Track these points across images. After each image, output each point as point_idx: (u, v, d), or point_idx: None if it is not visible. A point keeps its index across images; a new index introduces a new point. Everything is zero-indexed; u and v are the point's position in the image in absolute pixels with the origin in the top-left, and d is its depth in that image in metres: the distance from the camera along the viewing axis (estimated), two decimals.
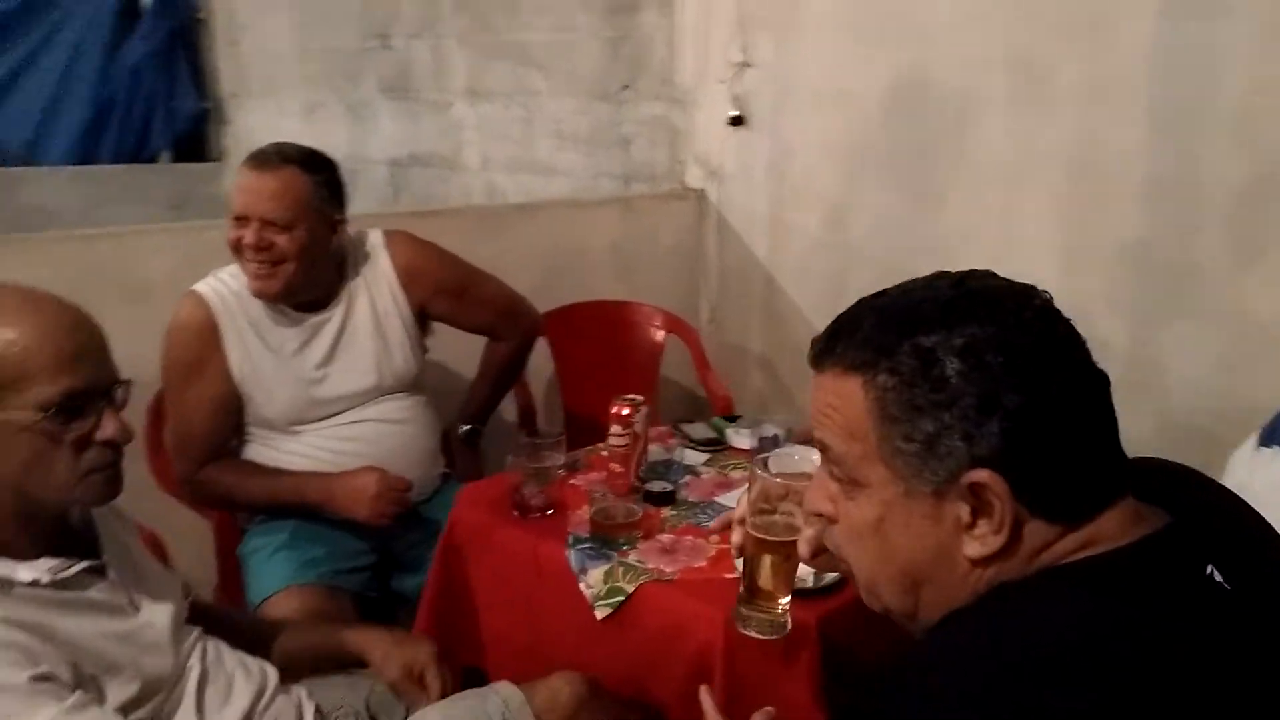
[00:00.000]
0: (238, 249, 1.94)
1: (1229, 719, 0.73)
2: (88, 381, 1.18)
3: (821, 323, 3.06)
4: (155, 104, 5.10)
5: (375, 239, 2.13)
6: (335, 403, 2.03)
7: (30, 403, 1.13)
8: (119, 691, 1.16)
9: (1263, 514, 0.90)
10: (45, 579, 1.15)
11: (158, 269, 2.29)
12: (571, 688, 1.43)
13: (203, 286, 1.99)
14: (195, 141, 5.34)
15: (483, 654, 1.74)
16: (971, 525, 0.80)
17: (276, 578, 1.91)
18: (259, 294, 1.97)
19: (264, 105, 5.14)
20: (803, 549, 1.01)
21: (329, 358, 2.02)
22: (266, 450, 2.04)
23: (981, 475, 0.78)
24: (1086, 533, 0.80)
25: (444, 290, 2.15)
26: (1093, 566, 0.79)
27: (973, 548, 0.80)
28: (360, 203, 4.64)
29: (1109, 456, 0.82)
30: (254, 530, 2.03)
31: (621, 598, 1.50)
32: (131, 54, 5.04)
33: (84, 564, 1.21)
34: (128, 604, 1.25)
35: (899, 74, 3.10)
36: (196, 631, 1.35)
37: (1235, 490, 0.94)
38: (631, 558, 1.57)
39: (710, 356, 3.72)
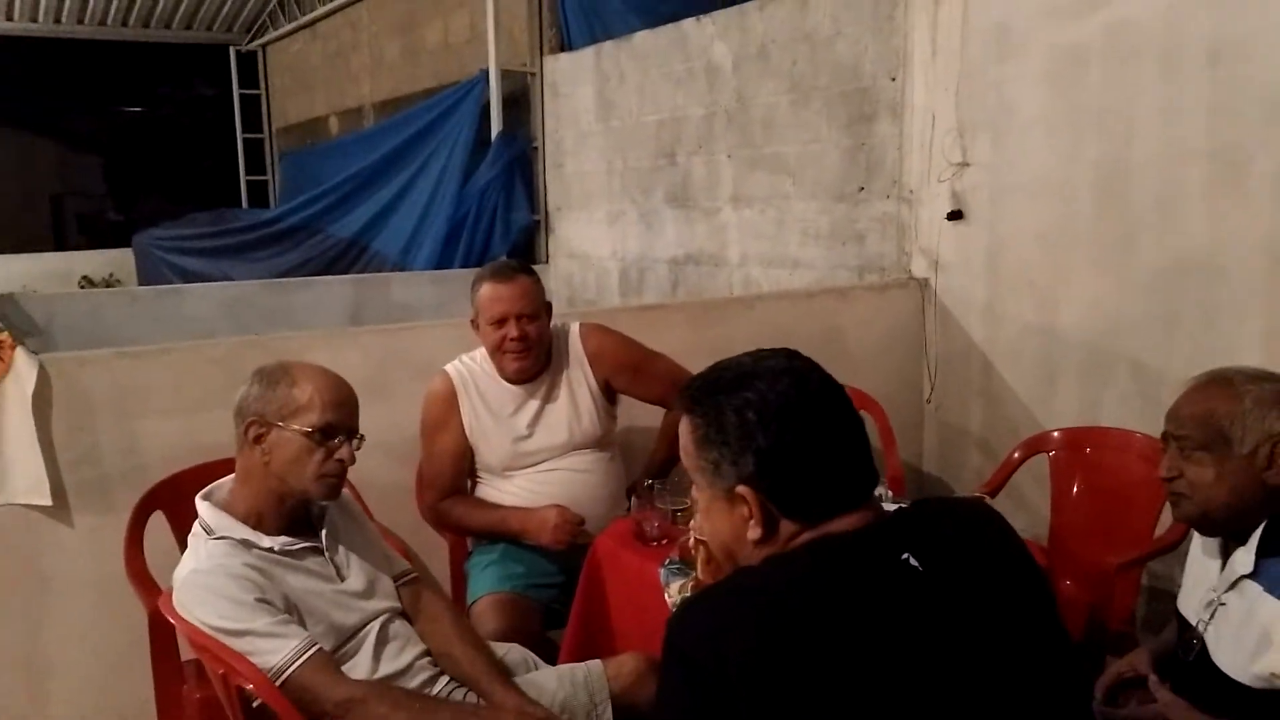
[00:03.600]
0: (499, 346, 2.54)
1: (867, 661, 1.07)
2: (340, 421, 1.86)
3: (1034, 404, 3.69)
4: (497, 218, 6.16)
5: (574, 329, 2.71)
6: (537, 454, 2.61)
7: (307, 423, 1.82)
8: (313, 629, 1.77)
9: None
10: (277, 547, 1.81)
11: (438, 353, 2.97)
12: (634, 662, 1.90)
13: (450, 366, 2.67)
14: (528, 247, 6.36)
15: (613, 646, 2.21)
16: (748, 520, 1.20)
17: (484, 585, 2.50)
18: (517, 374, 2.58)
19: (578, 216, 6.06)
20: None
21: (534, 420, 2.61)
22: (488, 489, 2.66)
23: (742, 489, 1.19)
24: (822, 529, 1.18)
25: (623, 368, 2.68)
26: (811, 546, 1.16)
27: (751, 535, 1.20)
28: (648, 293, 5.37)
29: (844, 478, 1.19)
30: (476, 549, 2.66)
31: None
32: (480, 178, 6.16)
33: (307, 544, 1.87)
34: (335, 574, 1.88)
35: (1102, 166, 3.27)
36: (392, 609, 1.95)
37: None
38: None
39: (931, 436, 3.98)
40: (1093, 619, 2.35)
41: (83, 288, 8.37)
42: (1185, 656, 1.67)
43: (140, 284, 7.96)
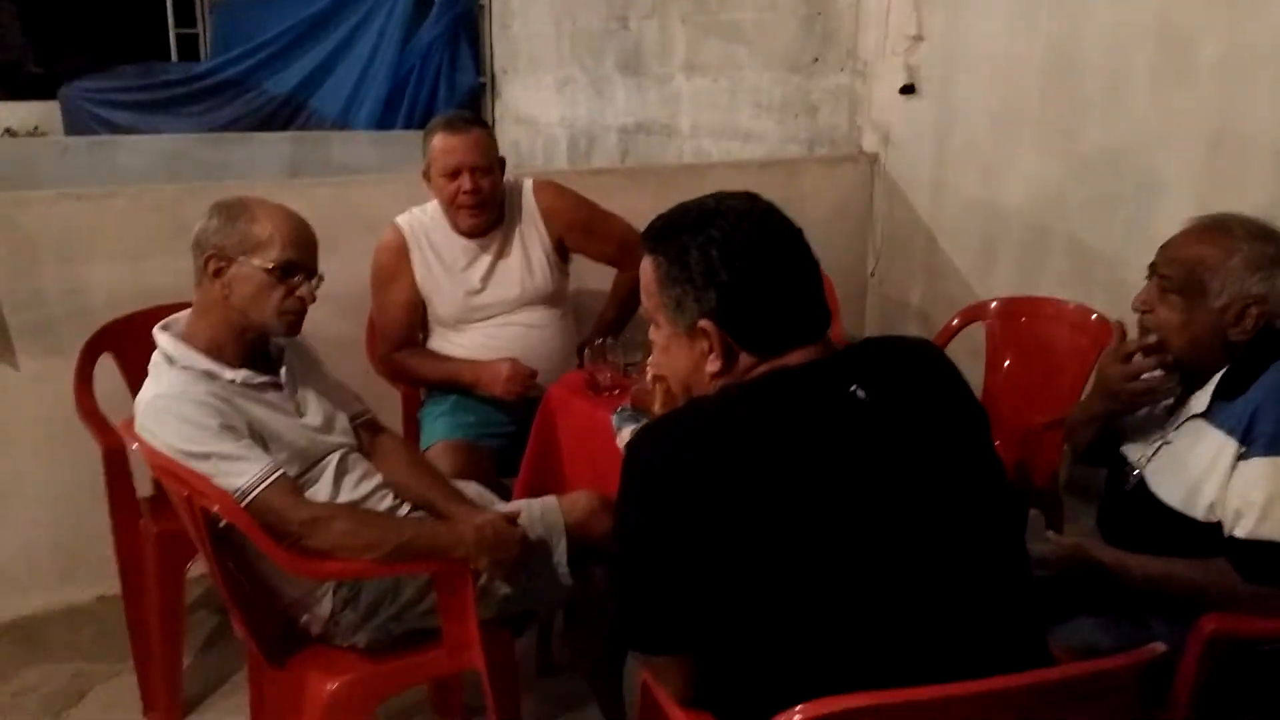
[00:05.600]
0: (453, 200, 2.53)
1: (812, 482, 1.15)
2: (300, 259, 1.86)
3: (974, 278, 3.79)
4: (441, 79, 6.01)
5: (527, 186, 2.70)
6: (490, 308, 2.63)
7: (268, 258, 1.82)
8: (276, 455, 1.80)
9: None
10: (239, 380, 1.83)
11: (387, 207, 2.92)
12: (587, 498, 1.98)
13: (401, 218, 2.66)
14: (473, 110, 6.22)
15: (564, 490, 2.29)
16: (708, 354, 1.25)
17: (437, 434, 2.55)
18: (471, 228, 2.57)
19: (526, 80, 5.94)
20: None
21: (487, 274, 2.63)
22: (441, 342, 2.68)
23: (705, 323, 1.24)
24: (777, 361, 1.24)
25: (575, 226, 2.70)
26: (766, 377, 1.23)
27: (710, 367, 1.26)
28: (596, 162, 5.33)
29: (800, 314, 1.25)
30: (428, 400, 2.70)
31: None
32: (423, 37, 5.98)
33: (267, 378, 1.89)
34: (294, 409, 1.91)
35: (1054, 45, 3.29)
36: (350, 445, 1.99)
37: None
38: None
39: (873, 309, 4.07)
40: (1019, 475, 2.48)
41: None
42: (1123, 487, 1.76)
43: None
